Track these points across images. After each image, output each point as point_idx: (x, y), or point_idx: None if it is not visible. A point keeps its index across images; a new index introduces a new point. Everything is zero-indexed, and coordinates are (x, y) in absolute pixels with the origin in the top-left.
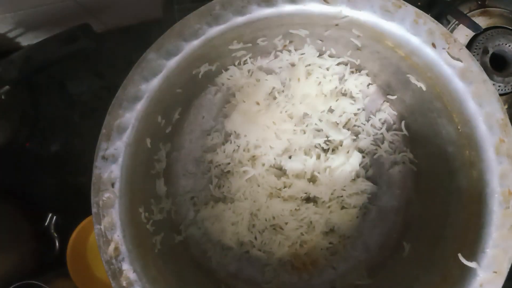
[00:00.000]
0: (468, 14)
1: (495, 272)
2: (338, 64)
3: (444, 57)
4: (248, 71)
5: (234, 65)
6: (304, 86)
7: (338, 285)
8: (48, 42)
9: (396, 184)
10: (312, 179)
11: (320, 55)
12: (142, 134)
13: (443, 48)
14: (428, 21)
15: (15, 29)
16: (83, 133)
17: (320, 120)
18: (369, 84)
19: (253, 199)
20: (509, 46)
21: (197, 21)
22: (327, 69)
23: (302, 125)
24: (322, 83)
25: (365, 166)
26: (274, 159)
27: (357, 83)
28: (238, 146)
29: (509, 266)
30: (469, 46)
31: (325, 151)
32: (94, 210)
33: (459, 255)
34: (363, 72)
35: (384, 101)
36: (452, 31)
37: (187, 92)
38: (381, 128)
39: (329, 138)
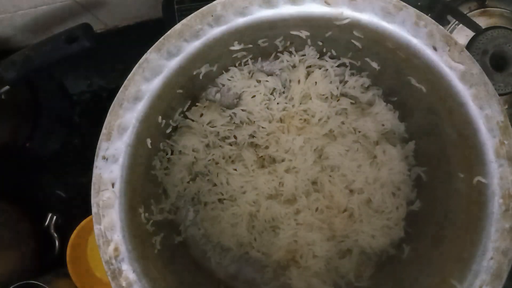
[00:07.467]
0: (468, 14)
1: (495, 275)
2: (339, 65)
3: (444, 59)
4: (249, 72)
5: (235, 66)
6: (304, 87)
7: (338, 286)
8: (48, 42)
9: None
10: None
11: (320, 57)
12: (142, 134)
13: (444, 51)
14: (429, 23)
15: (15, 29)
16: (83, 133)
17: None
18: (370, 85)
19: (252, 200)
20: (509, 46)
21: (198, 21)
22: (328, 70)
23: (301, 127)
24: (323, 85)
25: None
26: (274, 160)
27: (358, 85)
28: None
29: (509, 268)
30: (469, 46)
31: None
32: (94, 210)
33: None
34: (363, 73)
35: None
36: (452, 31)
37: (188, 92)
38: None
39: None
